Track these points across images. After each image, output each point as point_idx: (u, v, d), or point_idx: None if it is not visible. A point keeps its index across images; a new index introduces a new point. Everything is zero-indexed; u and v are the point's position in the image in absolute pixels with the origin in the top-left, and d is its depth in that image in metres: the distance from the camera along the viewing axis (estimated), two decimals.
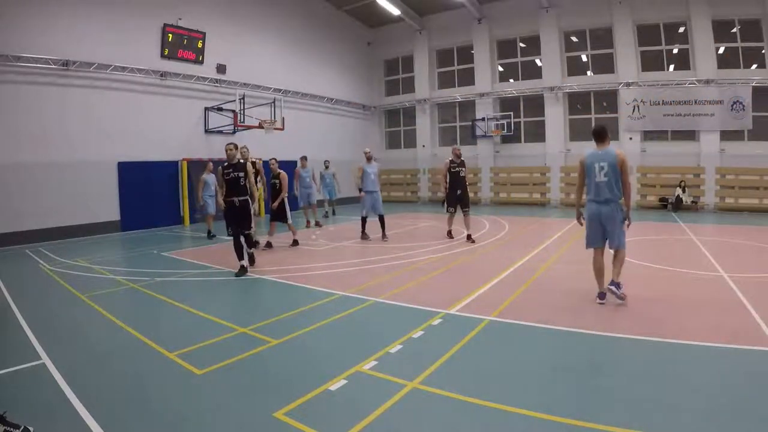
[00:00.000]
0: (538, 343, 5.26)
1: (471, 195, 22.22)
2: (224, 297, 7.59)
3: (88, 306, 6.87)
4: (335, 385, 4.06)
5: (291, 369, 4.49)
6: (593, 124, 22.82)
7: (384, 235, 12.53)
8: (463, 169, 12.20)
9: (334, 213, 19.44)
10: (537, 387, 4.13)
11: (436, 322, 5.75)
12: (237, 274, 8.63)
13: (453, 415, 3.66)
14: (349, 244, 12.02)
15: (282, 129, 18.58)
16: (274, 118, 18.30)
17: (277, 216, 11.61)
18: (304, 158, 15.44)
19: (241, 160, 9.00)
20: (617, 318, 6.00)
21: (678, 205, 20.97)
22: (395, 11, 23.80)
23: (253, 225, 9.30)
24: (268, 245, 11.60)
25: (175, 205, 17.17)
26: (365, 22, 26.35)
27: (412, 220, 17.57)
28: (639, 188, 22.46)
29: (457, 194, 12.10)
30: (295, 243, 11.94)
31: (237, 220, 8.84)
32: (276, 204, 11.42)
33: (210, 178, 14.05)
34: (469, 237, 12.05)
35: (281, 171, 11.63)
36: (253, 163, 10.25)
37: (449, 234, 12.64)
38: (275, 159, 12.37)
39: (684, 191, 21.26)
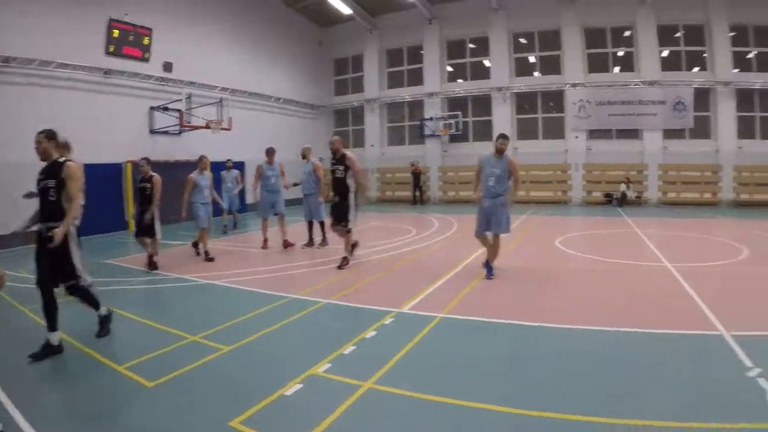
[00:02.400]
0: (489, 337, 5.40)
1: (417, 194, 22.86)
2: (173, 304, 7.35)
3: (30, 319, 6.47)
4: (291, 390, 4.03)
5: (245, 376, 4.44)
6: (540, 123, 24.04)
7: (324, 241, 11.60)
8: (341, 167, 9.05)
9: (235, 226, 15.32)
10: (491, 380, 4.24)
11: (388, 321, 5.79)
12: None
13: (409, 413, 3.70)
14: (298, 246, 11.61)
15: (229, 129, 18.17)
16: (221, 117, 17.88)
17: (145, 231, 9.34)
18: (271, 151, 11.75)
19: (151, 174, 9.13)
20: (567, 310, 6.26)
21: (623, 201, 21.84)
22: (347, 10, 23.70)
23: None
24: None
25: (120, 209, 16.50)
26: (316, 21, 26.12)
27: (360, 221, 17.30)
28: (585, 185, 23.32)
29: (336, 201, 9.22)
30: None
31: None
32: (149, 215, 9.20)
33: (203, 178, 10.69)
34: (343, 261, 9.17)
35: (154, 174, 9.27)
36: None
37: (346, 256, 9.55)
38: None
39: (628, 187, 22.13)
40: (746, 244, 11.03)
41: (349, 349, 4.93)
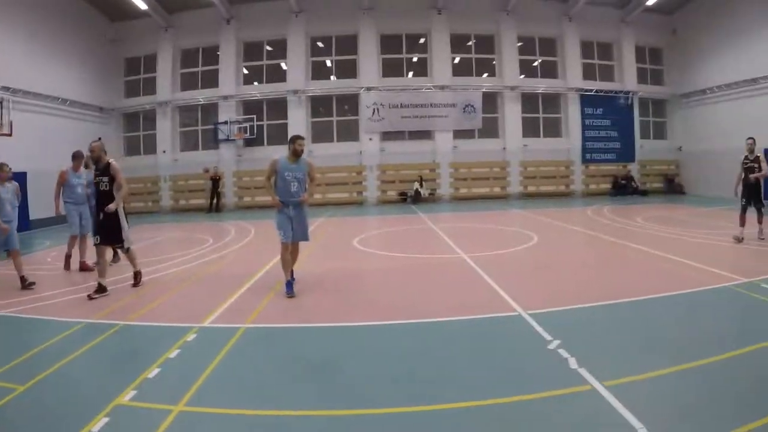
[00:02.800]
0: (297, 342, 5.39)
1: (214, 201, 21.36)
2: None
3: None
4: (97, 426, 3.53)
5: (45, 416, 3.83)
6: (335, 126, 23.51)
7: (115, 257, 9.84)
8: (105, 179, 7.37)
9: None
10: (307, 386, 4.17)
11: (190, 337, 5.39)
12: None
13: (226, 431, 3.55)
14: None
15: (10, 135, 16.03)
16: (1, 121, 15.54)
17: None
18: (78, 155, 9.73)
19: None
20: (370, 308, 6.40)
21: (417, 198, 22.20)
22: (143, 6, 21.89)
23: None
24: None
25: None
26: (108, 15, 23.98)
27: (155, 232, 16.06)
28: (380, 185, 23.27)
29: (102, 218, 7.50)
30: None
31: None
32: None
33: (5, 191, 8.46)
34: (136, 275, 7.95)
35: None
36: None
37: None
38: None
39: (422, 185, 22.58)
40: (535, 231, 12.28)
41: (153, 372, 4.47)
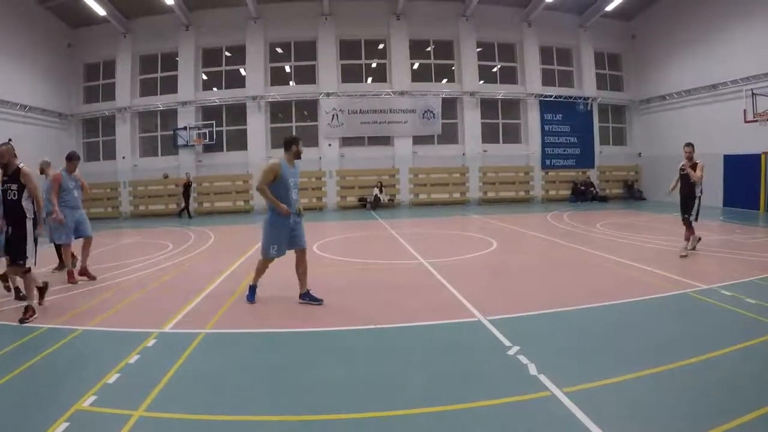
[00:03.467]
0: (257, 348, 5.40)
1: (173, 207, 20.97)
2: None
3: None
4: (57, 431, 3.54)
5: (5, 421, 3.81)
6: (294, 132, 23.38)
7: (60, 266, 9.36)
8: (14, 186, 6.49)
9: None
10: (265, 391, 4.23)
11: (150, 343, 5.40)
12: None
13: None
14: (46, 270, 9.52)
15: None
16: None
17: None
18: (74, 156, 9.28)
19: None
20: (329, 314, 6.42)
21: (376, 204, 22.02)
22: (101, 11, 21.71)
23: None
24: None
25: None
26: (67, 21, 23.71)
27: (115, 238, 16.02)
28: (339, 190, 23.17)
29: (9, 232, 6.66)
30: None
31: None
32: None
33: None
34: (26, 310, 6.41)
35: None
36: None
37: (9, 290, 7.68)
38: None
39: (381, 191, 22.45)
40: (494, 237, 12.33)
41: (113, 377, 4.47)
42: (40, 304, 6.87)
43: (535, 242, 12.51)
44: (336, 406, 3.81)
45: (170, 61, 24.04)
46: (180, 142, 23.21)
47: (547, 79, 24.37)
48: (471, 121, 23.61)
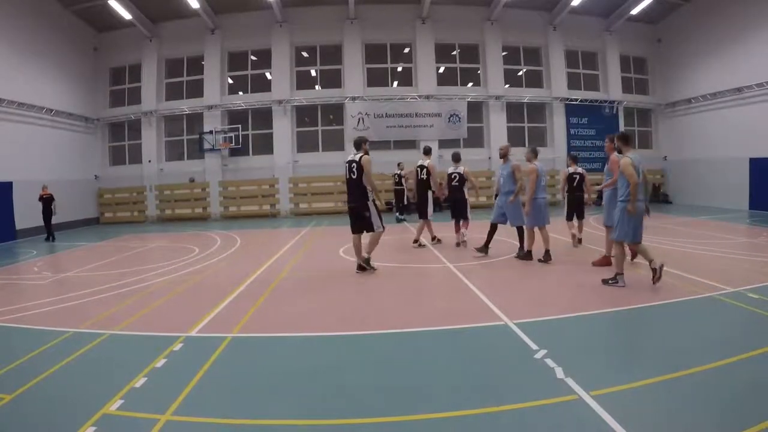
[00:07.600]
0: (284, 351, 5.41)
1: (200, 211, 21.25)
2: None
3: None
4: None
5: (33, 425, 3.86)
6: (320, 136, 23.41)
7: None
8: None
9: None
10: (293, 395, 4.20)
11: (177, 347, 5.43)
12: None
13: None
14: (73, 274, 10.05)
15: None
16: None
17: None
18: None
19: None
20: (358, 317, 6.44)
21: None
22: (127, 15, 21.86)
23: None
24: None
25: None
26: (93, 25, 23.86)
27: (141, 242, 16.04)
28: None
29: None
30: None
31: None
32: None
33: None
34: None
35: None
36: None
37: None
38: None
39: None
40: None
41: (140, 381, 4.49)
42: None
43: (559, 245, 11.93)
44: (365, 410, 3.83)
45: (196, 65, 24.13)
46: (206, 146, 23.28)
47: (573, 82, 24.31)
48: (497, 124, 23.59)
